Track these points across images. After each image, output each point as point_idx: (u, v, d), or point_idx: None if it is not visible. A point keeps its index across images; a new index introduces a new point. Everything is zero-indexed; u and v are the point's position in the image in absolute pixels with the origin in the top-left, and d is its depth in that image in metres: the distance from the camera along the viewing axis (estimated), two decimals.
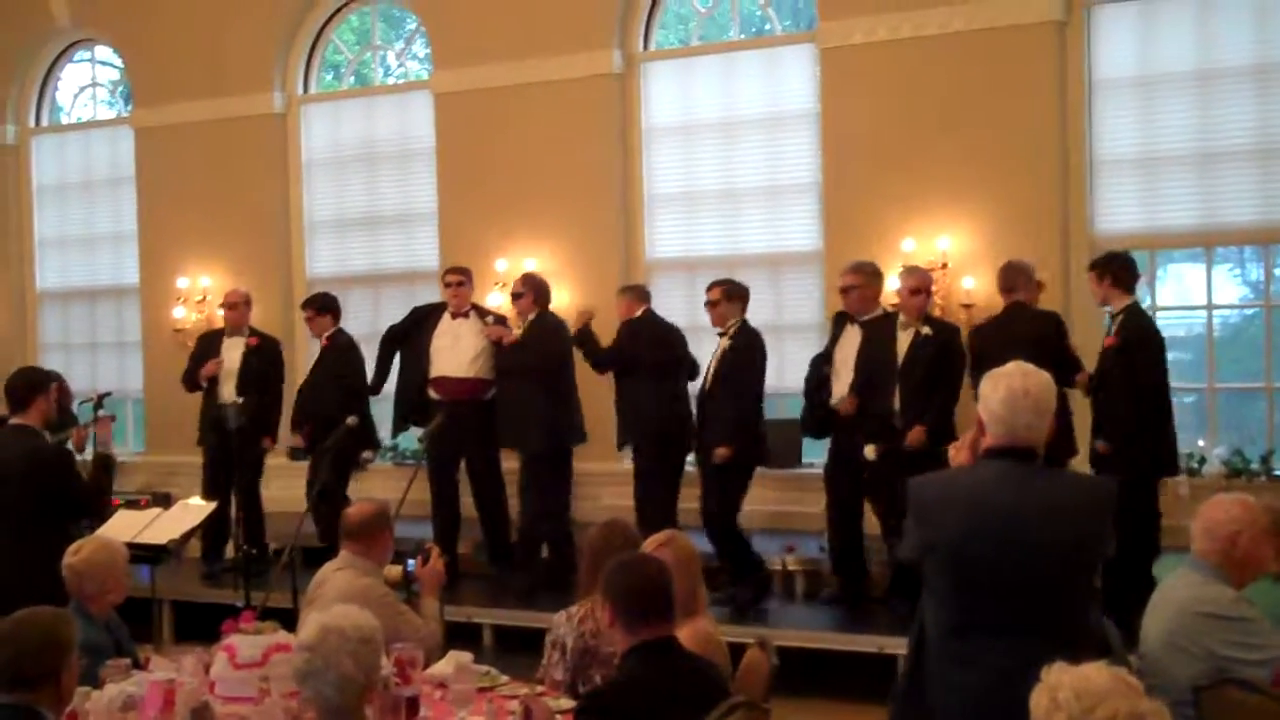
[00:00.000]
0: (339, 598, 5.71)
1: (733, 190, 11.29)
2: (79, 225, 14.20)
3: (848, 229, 10.57)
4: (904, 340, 8.95)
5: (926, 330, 8.91)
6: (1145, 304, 10.35)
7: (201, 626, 7.92)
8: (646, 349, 9.60)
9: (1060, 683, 3.07)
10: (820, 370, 9.32)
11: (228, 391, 10.64)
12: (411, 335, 10.38)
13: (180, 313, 13.00)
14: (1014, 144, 10.10)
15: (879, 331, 9.02)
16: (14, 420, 7.29)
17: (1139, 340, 8.36)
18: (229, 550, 10.57)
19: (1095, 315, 10.02)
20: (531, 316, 10.00)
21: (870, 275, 9.18)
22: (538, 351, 9.82)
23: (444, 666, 5.64)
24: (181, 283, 13.04)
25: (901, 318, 9.01)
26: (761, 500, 10.69)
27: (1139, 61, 10.05)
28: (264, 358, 10.85)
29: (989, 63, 10.17)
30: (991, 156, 10.14)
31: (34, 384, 7.37)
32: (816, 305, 10.81)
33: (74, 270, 14.25)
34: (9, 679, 4.07)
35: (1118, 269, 8.61)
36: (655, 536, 5.70)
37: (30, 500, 7.03)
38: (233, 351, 10.80)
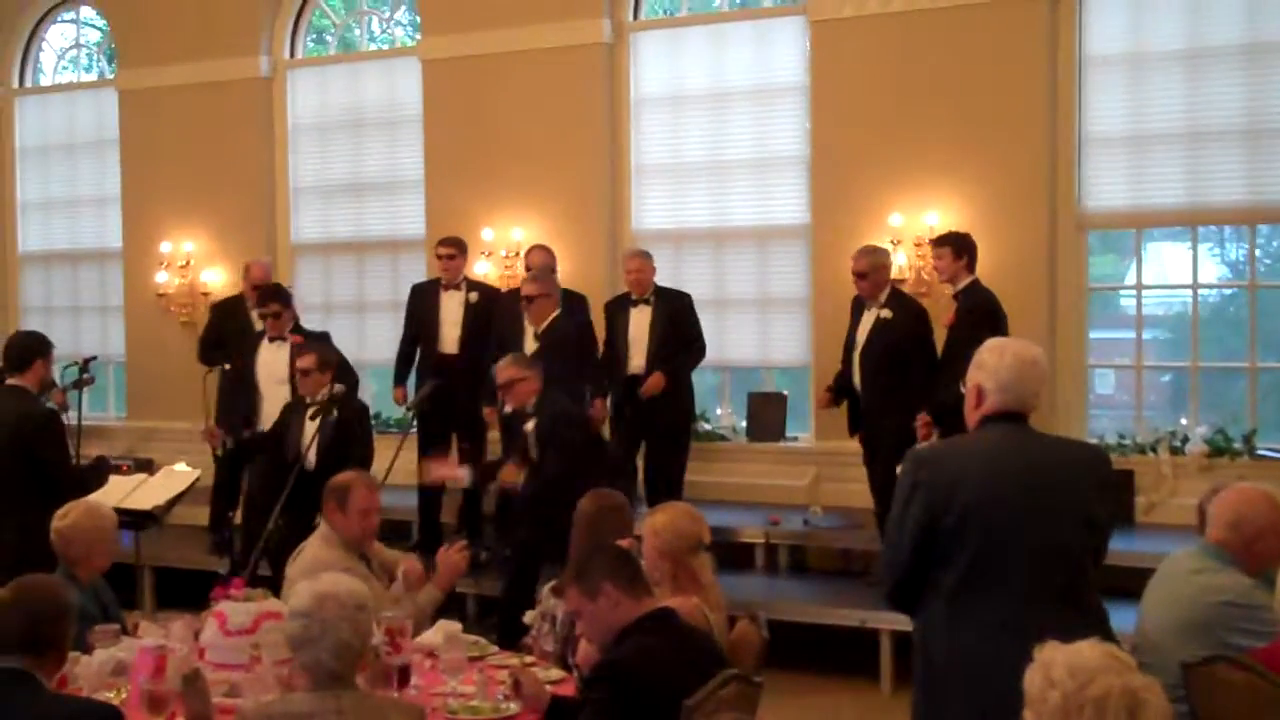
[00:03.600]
0: (301, 566, 5.72)
1: (721, 162, 11.24)
2: (62, 188, 14.07)
3: (835, 203, 10.56)
4: (867, 321, 9.19)
5: (886, 313, 9.08)
6: (1130, 281, 10.48)
7: (182, 593, 7.94)
8: None
9: (1053, 660, 3.08)
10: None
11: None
12: (418, 314, 10.46)
13: (163, 277, 12.93)
14: (1004, 119, 10.08)
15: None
16: (10, 381, 7.29)
17: (985, 314, 8.59)
18: None
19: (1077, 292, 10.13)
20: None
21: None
22: None
23: (432, 636, 5.65)
24: (165, 247, 12.97)
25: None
26: (745, 474, 10.77)
27: (1130, 38, 10.01)
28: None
29: (980, 37, 10.14)
30: (981, 132, 10.12)
31: (33, 347, 7.39)
32: (803, 279, 10.80)
33: (56, 233, 14.14)
34: (18, 643, 4.05)
35: (973, 249, 9.01)
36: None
37: (19, 462, 7.03)
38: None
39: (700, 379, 11.50)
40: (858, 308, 9.38)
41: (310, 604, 4.07)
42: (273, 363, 9.86)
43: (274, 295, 10.06)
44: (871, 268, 9.16)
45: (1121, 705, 2.98)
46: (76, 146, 14.00)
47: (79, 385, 10.02)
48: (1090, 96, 10.10)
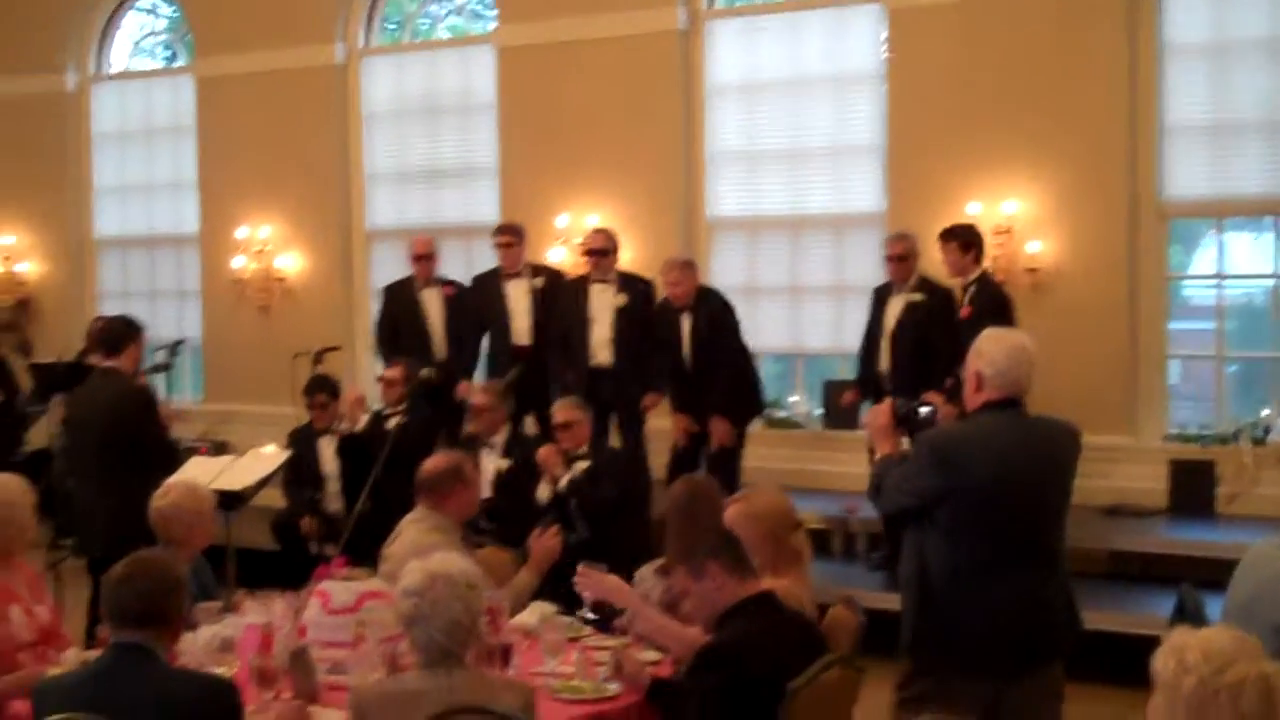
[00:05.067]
0: (403, 551, 5.76)
1: (796, 150, 11.23)
2: (138, 173, 14.22)
3: (912, 191, 10.53)
4: (895, 306, 9.34)
5: (917, 296, 9.22)
6: (1212, 271, 10.42)
7: (258, 574, 7.98)
8: None
9: (1186, 645, 3.07)
10: None
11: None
12: (481, 303, 10.38)
13: (240, 262, 13.06)
14: (1083, 107, 10.02)
15: None
16: (106, 364, 7.44)
17: (994, 306, 8.66)
18: None
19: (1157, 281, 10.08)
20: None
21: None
22: None
23: (528, 617, 5.69)
24: (241, 232, 13.09)
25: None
26: (820, 461, 10.76)
27: (1212, 26, 9.94)
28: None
29: (1059, 24, 10.09)
30: (1060, 120, 10.07)
31: (126, 330, 7.56)
32: (878, 266, 10.76)
33: (133, 218, 14.29)
34: (137, 617, 4.10)
35: (980, 242, 9.15)
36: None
37: (119, 441, 7.17)
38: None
39: (772, 365, 11.53)
40: (880, 295, 9.51)
41: (422, 582, 4.12)
42: None
43: (321, 386, 10.01)
44: (909, 251, 9.31)
45: (1256, 691, 2.98)
46: (153, 132, 14.13)
47: (159, 369, 10.16)
48: (1171, 84, 10.03)
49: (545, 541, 6.10)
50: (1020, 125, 10.17)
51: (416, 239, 10.83)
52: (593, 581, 5.48)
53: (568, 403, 8.64)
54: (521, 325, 10.24)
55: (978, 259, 9.13)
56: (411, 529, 6.05)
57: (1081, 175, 10.04)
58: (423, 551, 5.09)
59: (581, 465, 8.41)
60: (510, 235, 10.36)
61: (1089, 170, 10.03)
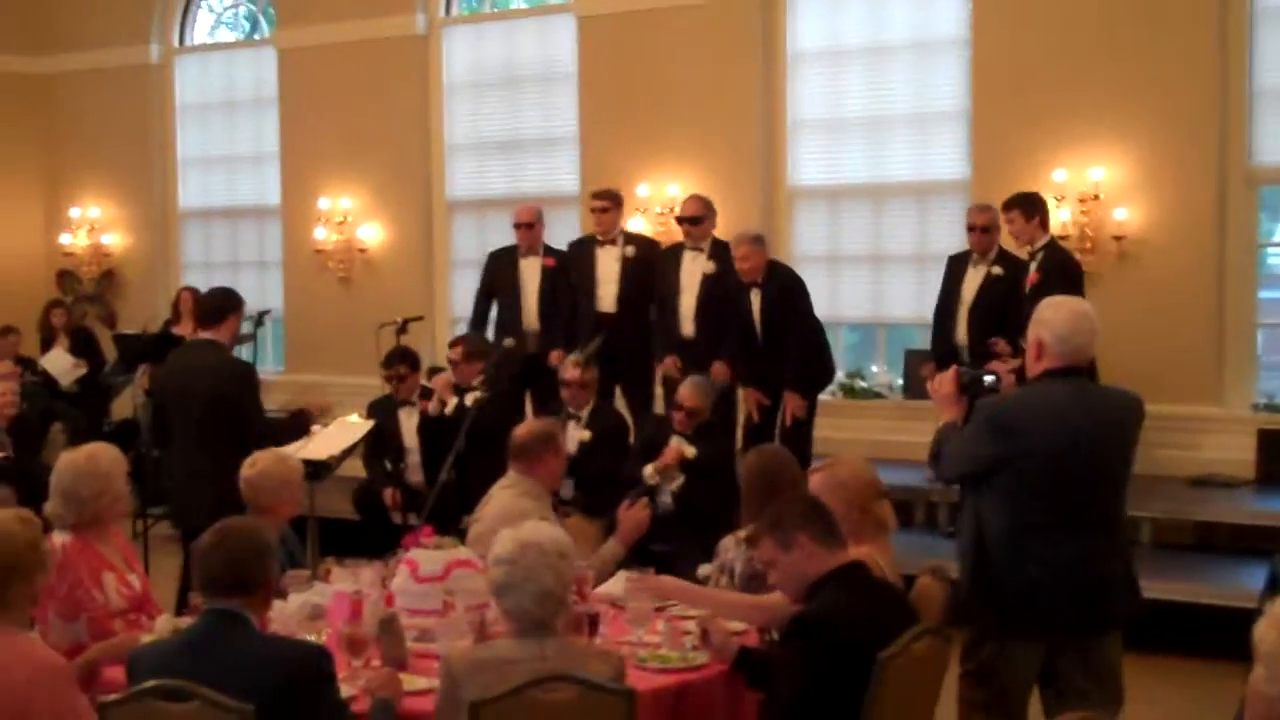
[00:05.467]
0: (494, 516, 5.77)
1: (878, 117, 11.16)
2: (221, 145, 14.37)
3: (996, 158, 10.43)
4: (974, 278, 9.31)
5: (997, 269, 9.19)
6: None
7: (343, 544, 8.04)
8: None
9: None
10: None
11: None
12: (573, 268, 10.26)
13: (321, 233, 13.14)
14: (1171, 73, 9.89)
15: None
16: (204, 335, 7.49)
17: (1061, 273, 8.62)
18: None
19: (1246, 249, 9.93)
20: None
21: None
22: None
23: (612, 586, 5.70)
24: (323, 203, 13.17)
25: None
26: (902, 431, 10.68)
27: None
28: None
29: None
30: (1148, 85, 9.93)
31: (228, 302, 7.60)
32: (962, 236, 10.66)
33: (215, 190, 14.44)
34: (229, 584, 4.13)
35: (1044, 208, 9.12)
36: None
37: (218, 413, 7.23)
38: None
39: (852, 335, 11.47)
40: (957, 266, 9.44)
41: (513, 551, 4.13)
42: None
43: (401, 358, 9.90)
44: (992, 223, 9.26)
45: None
46: (235, 104, 14.25)
47: (244, 340, 10.24)
48: (1261, 49, 9.88)
49: (634, 513, 6.09)
50: (1107, 91, 10.03)
51: (520, 207, 10.65)
52: (647, 586, 5.44)
53: (697, 389, 8.58)
54: (608, 292, 10.07)
55: (1044, 225, 9.07)
56: (502, 494, 6.07)
57: (1169, 141, 9.91)
58: (513, 517, 5.11)
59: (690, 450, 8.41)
60: (606, 200, 10.18)
61: (1177, 136, 9.89)
